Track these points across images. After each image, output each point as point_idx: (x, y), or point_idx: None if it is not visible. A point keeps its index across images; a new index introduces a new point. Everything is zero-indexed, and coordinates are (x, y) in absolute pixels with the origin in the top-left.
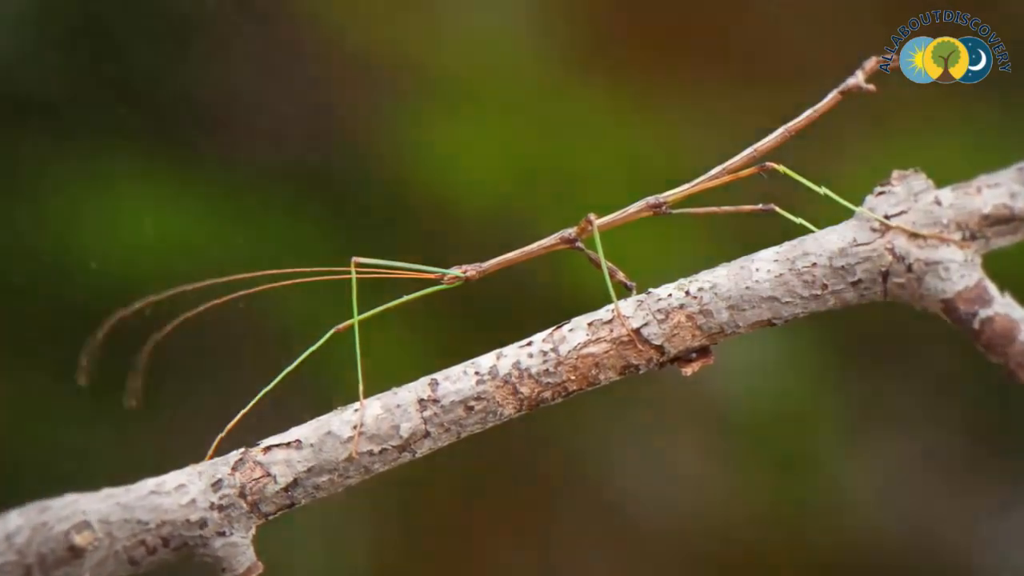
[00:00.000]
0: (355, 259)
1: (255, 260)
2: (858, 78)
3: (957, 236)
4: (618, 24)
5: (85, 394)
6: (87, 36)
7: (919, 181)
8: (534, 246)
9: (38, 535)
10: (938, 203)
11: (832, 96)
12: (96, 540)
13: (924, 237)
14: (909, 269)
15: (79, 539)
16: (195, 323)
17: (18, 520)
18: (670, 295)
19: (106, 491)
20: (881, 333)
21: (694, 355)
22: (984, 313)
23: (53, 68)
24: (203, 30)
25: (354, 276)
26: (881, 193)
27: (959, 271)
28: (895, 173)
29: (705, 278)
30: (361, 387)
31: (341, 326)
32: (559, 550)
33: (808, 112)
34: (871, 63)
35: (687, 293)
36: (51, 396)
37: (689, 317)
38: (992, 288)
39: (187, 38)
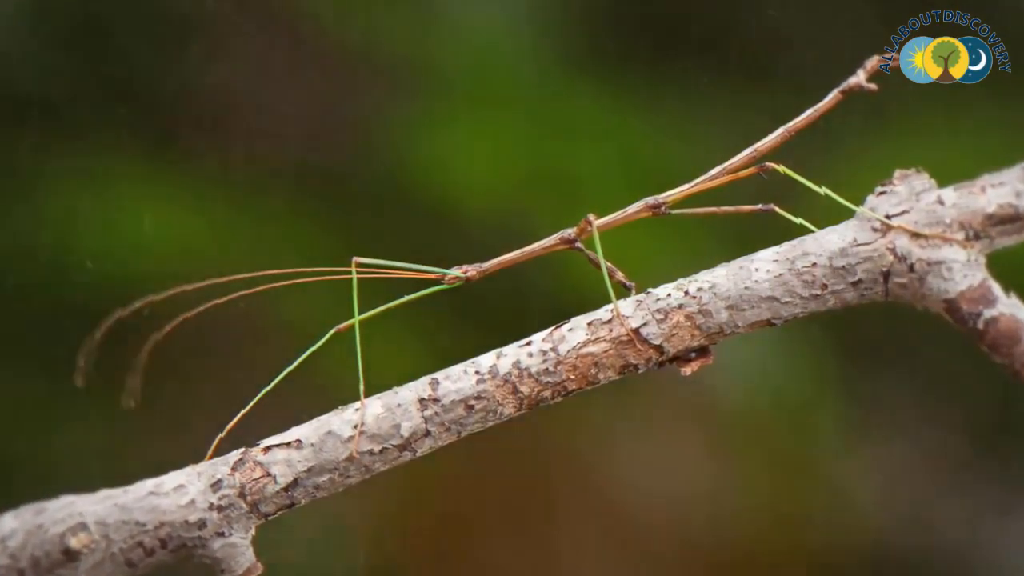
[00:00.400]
0: (355, 259)
1: (255, 260)
2: (859, 77)
3: (960, 236)
4: (618, 24)
5: (84, 395)
6: (86, 35)
7: (921, 180)
8: (534, 246)
9: (33, 538)
10: (941, 202)
11: (833, 96)
12: (93, 542)
13: (926, 237)
14: (911, 269)
15: (74, 542)
16: (195, 323)
17: (12, 523)
18: (669, 295)
19: (104, 492)
20: (882, 332)
21: (693, 355)
22: (988, 313)
23: (52, 67)
24: (203, 30)
25: (355, 276)
26: (882, 193)
27: (962, 271)
28: (897, 173)
29: (704, 278)
30: (362, 386)
31: (342, 326)
32: (559, 549)
33: (808, 112)
34: (872, 62)
35: (686, 293)
36: (49, 397)
37: (688, 317)
38: (996, 288)
39: (187, 38)
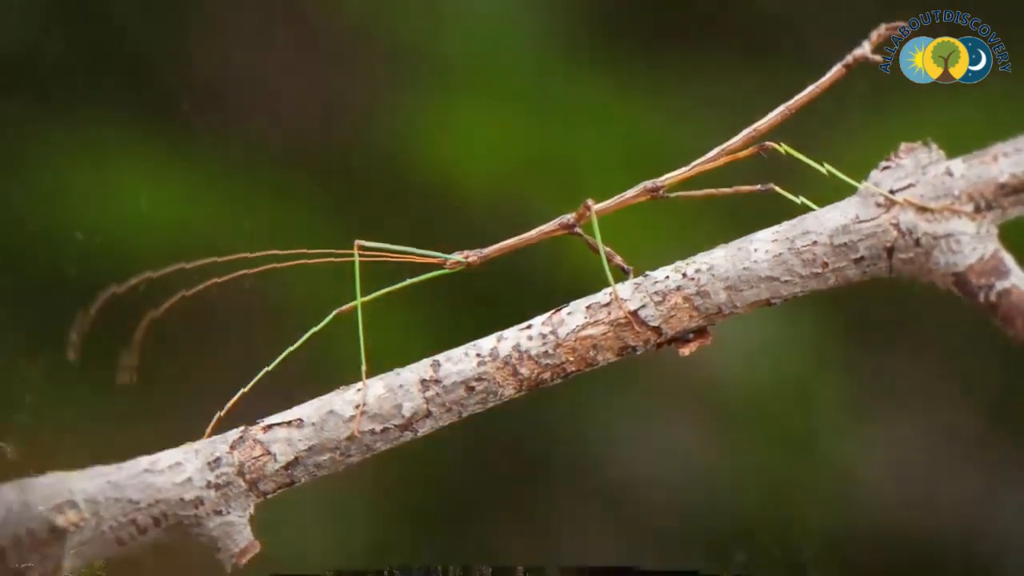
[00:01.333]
0: (358, 242)
1: (254, 240)
2: (865, 49)
3: (969, 207)
4: (618, 8)
5: (80, 372)
6: (84, 9)
7: (928, 153)
8: (534, 232)
9: (16, 516)
10: (949, 174)
11: (835, 70)
12: (82, 520)
13: (933, 210)
14: (917, 243)
15: (62, 520)
16: (196, 302)
17: None
18: (667, 277)
19: (95, 469)
20: (886, 309)
21: (691, 335)
22: (1000, 285)
23: (48, 38)
24: (205, 6)
25: (357, 259)
26: (887, 167)
27: (971, 243)
28: (903, 146)
29: (702, 260)
30: (364, 367)
31: (344, 308)
32: (559, 530)
33: (810, 88)
34: (879, 32)
35: (684, 275)
36: (45, 373)
37: (686, 299)
38: (1009, 259)
39: (188, 14)
